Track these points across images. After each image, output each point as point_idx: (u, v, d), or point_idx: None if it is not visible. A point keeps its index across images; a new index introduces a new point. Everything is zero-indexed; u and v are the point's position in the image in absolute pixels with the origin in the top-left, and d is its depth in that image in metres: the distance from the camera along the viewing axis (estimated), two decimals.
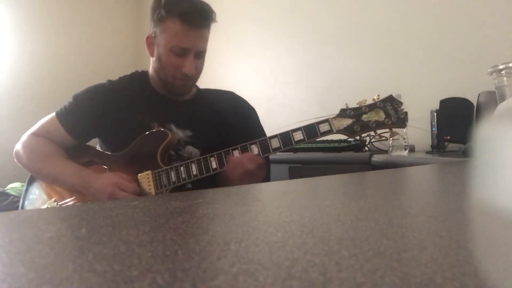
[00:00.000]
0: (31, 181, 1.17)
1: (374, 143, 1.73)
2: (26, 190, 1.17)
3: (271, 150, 0.98)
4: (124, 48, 3.65)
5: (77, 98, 1.13)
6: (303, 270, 0.18)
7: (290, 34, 2.55)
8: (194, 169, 1.02)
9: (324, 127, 0.96)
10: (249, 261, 0.20)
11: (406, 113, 0.94)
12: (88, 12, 3.46)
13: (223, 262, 0.20)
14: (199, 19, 1.04)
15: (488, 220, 0.11)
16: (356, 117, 0.95)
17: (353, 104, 0.97)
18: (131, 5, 3.72)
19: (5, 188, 2.59)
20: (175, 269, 0.19)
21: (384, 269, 0.18)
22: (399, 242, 0.24)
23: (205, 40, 1.09)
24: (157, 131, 1.07)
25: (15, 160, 1.12)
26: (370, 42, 2.14)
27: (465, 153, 1.18)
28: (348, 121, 0.95)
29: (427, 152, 1.53)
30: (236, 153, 0.99)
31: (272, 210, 0.36)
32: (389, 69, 2.05)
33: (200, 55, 1.09)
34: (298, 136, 0.96)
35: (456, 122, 1.45)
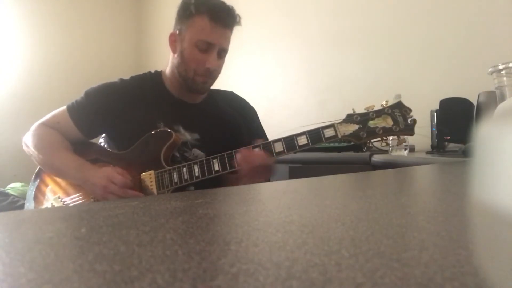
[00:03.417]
0: (36, 177, 1.17)
1: (374, 143, 1.72)
2: (30, 189, 1.17)
3: (274, 154, 0.97)
4: (126, 48, 3.65)
5: (88, 93, 1.13)
6: (303, 270, 0.18)
7: (290, 34, 2.55)
8: (196, 170, 1.01)
9: (329, 132, 0.93)
10: (249, 261, 0.20)
11: (415, 120, 0.91)
12: (89, 13, 3.46)
13: (223, 262, 0.20)
14: (226, 18, 1.06)
15: (488, 220, 0.11)
16: (362, 123, 0.92)
17: (360, 108, 0.94)
18: (132, 5, 3.72)
19: (5, 188, 2.58)
20: (175, 269, 0.19)
21: (384, 269, 0.18)
22: (399, 242, 0.24)
23: (228, 40, 1.10)
24: (161, 131, 1.07)
25: (24, 148, 1.12)
26: (370, 42, 2.14)
27: (465, 153, 1.18)
28: (354, 127, 0.92)
29: (427, 152, 1.53)
30: None
31: (272, 210, 0.36)
32: (389, 69, 2.05)
33: (222, 54, 1.10)
34: (303, 140, 0.95)
35: (456, 122, 1.45)
